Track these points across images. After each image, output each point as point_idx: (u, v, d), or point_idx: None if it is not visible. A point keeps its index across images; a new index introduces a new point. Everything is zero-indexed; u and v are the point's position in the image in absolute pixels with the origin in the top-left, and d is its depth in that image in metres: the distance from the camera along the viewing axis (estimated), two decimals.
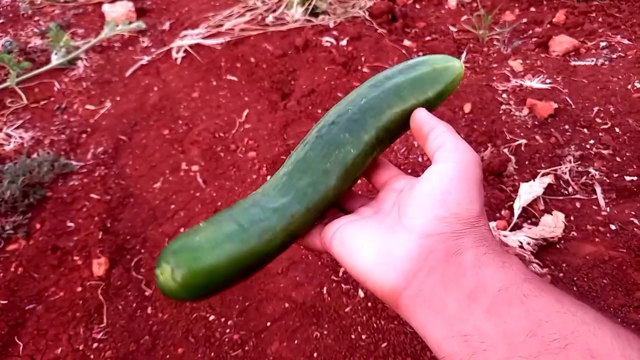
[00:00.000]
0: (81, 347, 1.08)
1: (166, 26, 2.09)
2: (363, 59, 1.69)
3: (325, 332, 1.04)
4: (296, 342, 1.04)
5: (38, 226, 1.32)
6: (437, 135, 0.40)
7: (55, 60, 1.90)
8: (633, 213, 1.16)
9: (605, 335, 0.26)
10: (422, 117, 0.42)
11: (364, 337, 1.03)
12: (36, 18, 2.23)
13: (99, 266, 1.21)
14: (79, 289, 1.19)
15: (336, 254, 0.38)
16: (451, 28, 1.90)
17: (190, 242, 0.37)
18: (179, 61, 1.88)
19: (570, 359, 0.25)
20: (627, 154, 1.30)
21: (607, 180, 1.25)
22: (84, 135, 1.63)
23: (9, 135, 1.61)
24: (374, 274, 0.35)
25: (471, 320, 0.30)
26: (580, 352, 0.25)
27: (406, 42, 1.83)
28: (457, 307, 0.31)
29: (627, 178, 1.25)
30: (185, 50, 1.90)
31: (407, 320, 0.34)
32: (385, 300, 0.35)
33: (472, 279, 0.31)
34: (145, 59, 1.92)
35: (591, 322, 0.26)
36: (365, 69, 1.67)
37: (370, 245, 0.36)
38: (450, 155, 0.37)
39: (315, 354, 1.01)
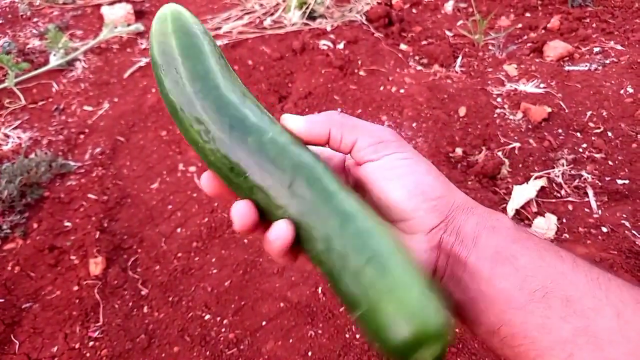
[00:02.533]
0: (77, 346, 1.09)
1: None
2: (360, 62, 1.71)
3: (319, 332, 1.05)
4: (291, 341, 1.05)
5: (35, 225, 1.33)
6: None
7: (54, 61, 1.91)
8: (624, 216, 1.17)
9: (579, 281, 0.30)
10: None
11: (358, 336, 1.04)
12: (35, 19, 2.24)
13: (96, 265, 1.22)
14: (76, 287, 1.19)
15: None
16: (447, 32, 1.93)
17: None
18: None
19: (549, 304, 0.30)
20: (619, 157, 1.32)
21: (599, 184, 1.27)
22: (81, 136, 1.64)
23: (7, 136, 1.62)
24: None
25: (474, 284, 0.34)
26: (558, 298, 0.30)
27: (402, 46, 1.85)
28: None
29: (619, 181, 1.27)
30: None
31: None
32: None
33: (473, 250, 0.35)
34: (144, 61, 1.93)
35: (568, 272, 0.31)
36: (361, 72, 1.68)
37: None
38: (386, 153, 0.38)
39: (309, 353, 1.02)
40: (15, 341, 1.10)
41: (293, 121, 0.40)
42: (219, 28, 1.97)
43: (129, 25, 2.05)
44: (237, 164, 0.38)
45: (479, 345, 1.00)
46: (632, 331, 0.27)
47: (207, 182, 0.41)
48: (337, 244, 0.34)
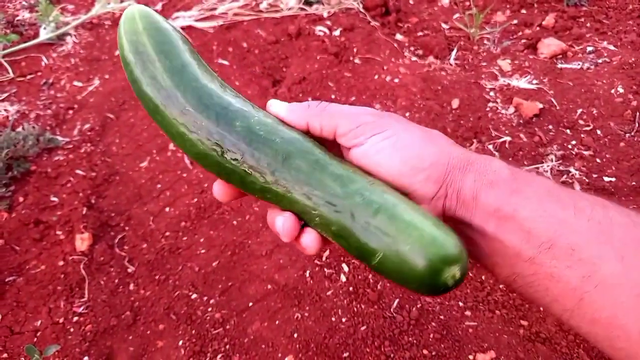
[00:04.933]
0: (61, 320, 1.08)
1: (159, 7, 2.07)
2: (355, 50, 1.71)
3: (306, 314, 1.06)
4: (277, 322, 1.05)
5: (21, 199, 1.31)
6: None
7: (44, 34, 1.88)
8: None
9: (581, 228, 0.31)
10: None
11: (344, 320, 1.05)
12: None
13: (82, 241, 1.21)
14: (61, 263, 1.18)
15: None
16: (443, 25, 1.93)
17: None
18: None
19: (555, 255, 0.31)
20: (607, 155, 1.34)
21: (587, 180, 1.29)
22: (70, 112, 1.61)
23: None
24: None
25: (484, 242, 0.35)
26: (563, 248, 0.31)
27: (398, 36, 1.85)
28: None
29: (606, 179, 1.29)
30: None
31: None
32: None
33: (475, 211, 0.35)
34: None
35: (570, 219, 0.32)
36: (356, 60, 1.68)
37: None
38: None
39: (295, 335, 1.02)
40: None
41: (276, 106, 0.42)
42: (214, 9, 1.95)
43: (122, 1, 2.01)
44: (229, 148, 0.39)
45: (463, 332, 1.01)
46: (636, 273, 0.29)
47: (220, 189, 0.42)
48: (342, 205, 0.35)
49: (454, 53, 1.77)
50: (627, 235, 0.30)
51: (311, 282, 1.12)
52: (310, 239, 0.38)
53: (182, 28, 1.88)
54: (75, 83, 1.72)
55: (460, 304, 1.06)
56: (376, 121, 0.38)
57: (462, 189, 0.36)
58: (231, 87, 0.44)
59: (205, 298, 1.12)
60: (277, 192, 0.38)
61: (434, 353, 0.98)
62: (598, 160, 1.34)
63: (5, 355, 1.03)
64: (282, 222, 0.38)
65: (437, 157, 0.36)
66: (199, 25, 1.89)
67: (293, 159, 0.38)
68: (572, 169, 1.31)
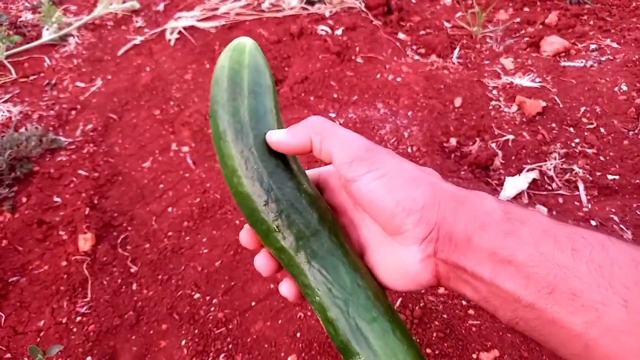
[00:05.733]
0: (64, 320, 1.08)
1: (160, 7, 2.07)
2: (357, 49, 1.70)
3: (309, 313, 1.05)
4: (280, 322, 1.05)
5: (24, 200, 1.31)
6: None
7: (47, 35, 1.88)
8: (613, 210, 1.19)
9: (581, 272, 0.30)
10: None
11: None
12: None
13: (85, 241, 1.21)
14: (64, 263, 1.18)
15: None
16: (445, 24, 1.92)
17: None
18: (172, 43, 1.87)
19: (557, 301, 0.30)
20: (611, 153, 1.34)
21: (590, 178, 1.28)
22: (73, 112, 1.62)
23: None
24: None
25: (481, 286, 0.35)
26: (564, 293, 0.30)
27: (401, 35, 1.84)
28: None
29: (609, 177, 1.28)
30: (179, 32, 1.89)
31: None
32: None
33: (469, 254, 0.35)
34: (139, 39, 1.90)
35: (568, 263, 0.30)
36: (359, 59, 1.68)
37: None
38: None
39: (298, 334, 1.02)
40: (1, 314, 1.09)
41: (275, 135, 0.42)
42: (216, 9, 1.95)
43: (124, 2, 2.01)
44: (271, 201, 0.42)
45: (466, 331, 1.01)
46: None
47: (246, 235, 0.46)
48: (344, 299, 0.39)
49: (456, 52, 1.76)
50: (630, 278, 0.29)
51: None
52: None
53: (185, 28, 1.89)
54: (78, 84, 1.73)
55: (464, 302, 1.06)
56: (370, 158, 0.38)
57: (454, 232, 0.35)
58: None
59: (208, 298, 1.11)
60: (292, 259, 0.41)
61: (437, 352, 0.98)
62: (602, 159, 1.33)
63: (8, 355, 1.03)
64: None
65: (429, 199, 0.36)
66: (201, 25, 1.89)
67: (320, 237, 0.41)
68: (575, 167, 1.31)
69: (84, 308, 1.11)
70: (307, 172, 0.47)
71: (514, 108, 1.50)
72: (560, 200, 1.24)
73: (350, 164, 0.38)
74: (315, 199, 0.43)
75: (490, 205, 0.35)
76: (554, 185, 1.28)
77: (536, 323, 0.32)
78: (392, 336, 0.37)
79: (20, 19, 2.00)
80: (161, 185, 1.37)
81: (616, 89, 1.49)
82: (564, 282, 0.30)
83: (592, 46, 1.70)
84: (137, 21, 2.02)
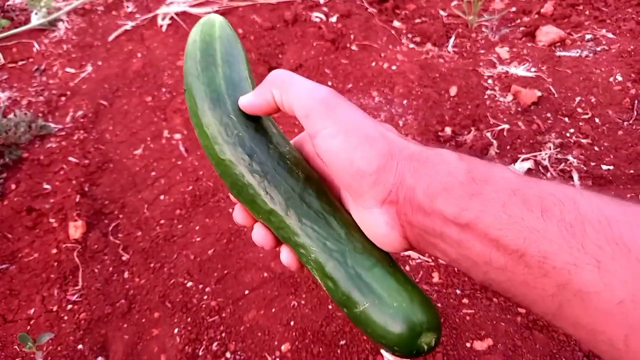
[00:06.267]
0: (55, 308, 1.07)
1: None
2: (352, 36, 1.69)
3: (302, 302, 1.05)
4: (273, 310, 1.04)
5: (13, 187, 1.29)
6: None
7: (35, 20, 1.84)
8: None
9: (551, 234, 0.28)
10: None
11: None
12: None
13: (76, 229, 1.19)
14: (54, 251, 1.17)
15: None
16: (441, 12, 1.91)
17: None
18: (164, 28, 1.84)
19: (528, 263, 0.29)
20: (605, 144, 1.34)
21: (584, 168, 1.28)
22: (63, 98, 1.59)
23: None
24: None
25: (452, 248, 0.33)
26: (534, 256, 0.29)
27: (396, 23, 1.83)
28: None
29: (604, 167, 1.28)
30: (171, 18, 1.85)
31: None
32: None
33: (434, 216, 0.33)
34: (130, 25, 1.87)
35: (538, 224, 0.29)
36: (354, 47, 1.66)
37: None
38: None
39: (291, 323, 1.02)
40: None
41: (244, 99, 0.42)
42: None
43: None
44: (255, 164, 0.41)
45: (460, 319, 1.01)
46: (614, 278, 0.26)
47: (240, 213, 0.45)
48: (341, 250, 0.38)
49: (452, 40, 1.75)
50: (601, 237, 0.28)
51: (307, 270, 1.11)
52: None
53: (177, 14, 1.86)
54: (68, 69, 1.70)
55: (458, 291, 1.06)
56: (326, 111, 0.36)
57: (415, 195, 0.34)
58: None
59: (200, 286, 1.10)
60: (282, 220, 0.40)
61: None
62: (596, 149, 1.33)
63: None
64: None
65: (384, 160, 0.34)
66: (194, 11, 1.86)
67: (308, 195, 0.40)
68: (570, 157, 1.31)
69: (75, 296, 1.09)
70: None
71: (509, 97, 1.49)
72: None
73: (307, 117, 0.37)
74: (299, 160, 0.43)
75: (453, 164, 0.34)
76: (548, 175, 1.28)
77: (508, 285, 0.31)
78: (394, 279, 0.36)
79: (8, 3, 1.96)
80: (153, 173, 1.35)
81: (611, 79, 1.49)
82: (534, 244, 0.29)
83: (588, 36, 1.69)
84: (128, 6, 1.98)
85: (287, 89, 0.38)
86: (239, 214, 0.45)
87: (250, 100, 0.41)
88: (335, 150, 0.35)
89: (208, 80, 0.43)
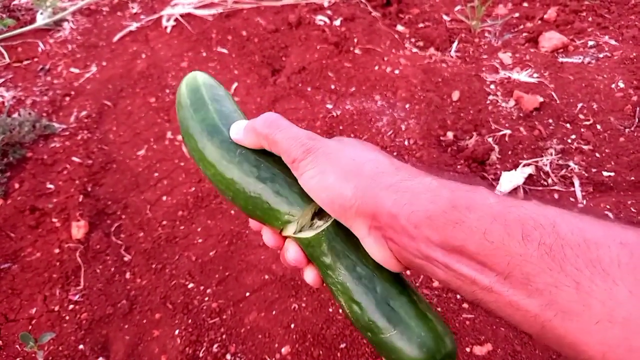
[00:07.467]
0: (56, 308, 1.08)
1: None
2: (355, 40, 1.69)
3: (303, 305, 1.05)
4: (274, 312, 1.05)
5: (17, 186, 1.30)
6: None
7: (41, 20, 1.85)
8: (608, 207, 1.19)
9: (532, 257, 0.30)
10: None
11: (340, 311, 1.04)
12: None
13: (78, 229, 1.20)
14: (57, 250, 1.17)
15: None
16: (444, 17, 1.91)
17: None
18: (168, 30, 1.84)
19: (512, 285, 0.30)
20: (607, 150, 1.34)
21: (586, 175, 1.29)
22: (67, 98, 1.60)
23: None
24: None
25: (438, 271, 0.35)
26: (518, 278, 0.30)
27: (399, 28, 1.83)
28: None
29: (605, 173, 1.28)
30: (176, 19, 1.86)
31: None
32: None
33: (420, 241, 0.35)
34: (134, 26, 1.88)
35: (519, 249, 0.30)
36: (357, 50, 1.67)
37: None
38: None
39: (292, 325, 1.02)
40: None
41: (235, 134, 0.45)
42: None
43: None
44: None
45: (460, 324, 1.01)
46: (592, 299, 0.28)
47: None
48: (369, 277, 0.39)
49: (455, 45, 1.76)
50: (580, 260, 0.29)
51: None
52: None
53: (181, 15, 1.86)
54: (72, 69, 1.71)
55: (458, 296, 1.06)
56: (305, 158, 0.40)
57: (398, 221, 0.35)
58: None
59: (202, 287, 1.11)
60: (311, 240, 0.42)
61: None
62: (597, 155, 1.33)
63: None
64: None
65: (360, 193, 0.37)
66: (198, 12, 1.87)
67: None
68: (571, 163, 1.31)
69: (77, 296, 1.10)
70: None
71: (512, 103, 1.49)
72: (556, 196, 1.24)
73: (293, 163, 0.40)
74: None
75: (435, 192, 0.35)
76: (549, 180, 1.28)
77: (495, 305, 0.32)
78: (419, 308, 0.38)
79: (14, 2, 1.97)
80: (156, 174, 1.36)
81: (613, 85, 1.49)
82: (518, 267, 0.30)
83: (590, 43, 1.69)
84: (133, 7, 1.99)
85: (273, 137, 0.42)
86: (269, 237, 0.46)
87: (239, 139, 0.45)
88: (316, 189, 0.39)
89: (201, 118, 0.47)
